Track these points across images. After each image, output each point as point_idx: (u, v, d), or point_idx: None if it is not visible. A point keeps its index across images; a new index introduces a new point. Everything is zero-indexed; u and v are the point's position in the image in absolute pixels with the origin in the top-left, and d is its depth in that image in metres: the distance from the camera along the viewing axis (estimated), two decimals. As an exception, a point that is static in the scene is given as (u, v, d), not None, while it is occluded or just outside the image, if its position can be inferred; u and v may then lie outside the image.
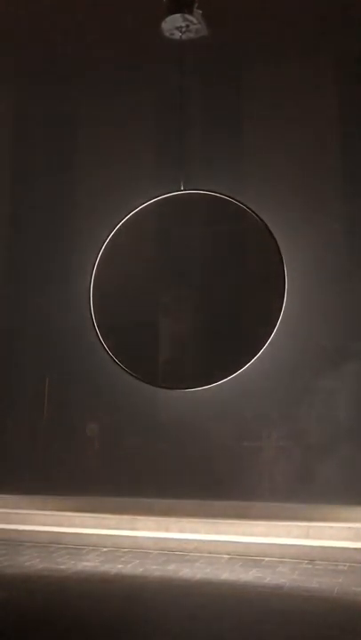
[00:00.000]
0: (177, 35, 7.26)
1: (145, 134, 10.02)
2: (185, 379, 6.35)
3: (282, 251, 6.21)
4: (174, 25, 7.11)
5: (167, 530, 7.52)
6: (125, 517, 7.78)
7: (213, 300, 6.39)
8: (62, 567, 6.48)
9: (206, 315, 6.34)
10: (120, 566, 6.53)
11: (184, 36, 7.23)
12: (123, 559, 6.84)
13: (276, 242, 6.14)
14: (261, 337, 6.11)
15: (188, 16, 7.02)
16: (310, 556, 6.73)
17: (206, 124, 9.77)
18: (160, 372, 6.27)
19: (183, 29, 7.13)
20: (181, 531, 7.48)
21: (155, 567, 6.48)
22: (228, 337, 6.36)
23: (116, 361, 6.06)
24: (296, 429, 8.65)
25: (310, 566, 6.53)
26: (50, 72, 9.77)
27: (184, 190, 6.30)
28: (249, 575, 6.17)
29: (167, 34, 7.25)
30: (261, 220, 6.18)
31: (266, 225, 6.18)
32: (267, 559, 6.77)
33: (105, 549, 7.27)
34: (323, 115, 9.38)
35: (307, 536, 7.11)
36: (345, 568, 6.44)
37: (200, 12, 7.09)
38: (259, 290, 6.33)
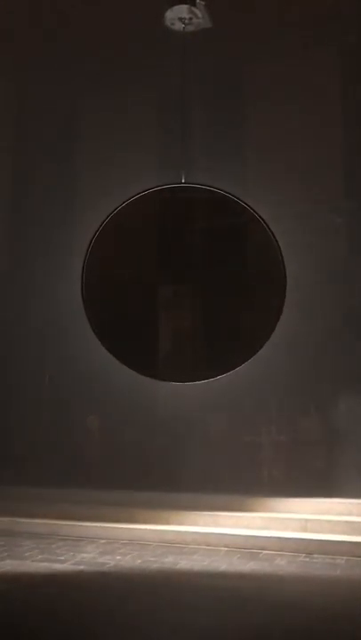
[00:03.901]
0: (178, 26, 7.26)
1: (147, 127, 10.06)
2: (185, 372, 6.35)
3: (281, 246, 6.21)
4: (178, 15, 7.11)
5: (166, 522, 7.55)
6: (124, 510, 7.81)
7: (214, 295, 6.39)
8: (61, 558, 6.52)
9: (207, 308, 6.34)
10: (118, 558, 6.56)
11: (186, 29, 7.23)
12: (121, 551, 6.87)
13: (275, 238, 6.14)
14: (262, 333, 6.11)
15: (193, 8, 7.03)
16: (308, 550, 6.76)
17: (208, 117, 9.81)
18: (160, 366, 6.27)
19: (186, 21, 7.14)
20: (180, 523, 7.52)
21: (153, 559, 6.51)
22: (229, 332, 6.36)
23: (112, 352, 6.06)
24: (295, 425, 8.70)
25: (308, 559, 6.56)
26: (51, 62, 9.79)
27: (184, 183, 6.32)
28: (247, 567, 6.21)
29: (169, 23, 7.25)
30: (261, 217, 6.19)
31: (265, 221, 6.18)
32: (265, 552, 6.80)
33: (103, 541, 7.30)
34: (324, 110, 9.41)
35: (305, 529, 7.15)
36: (342, 562, 6.48)
37: (203, 3, 7.10)
38: (259, 286, 6.33)
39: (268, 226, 6.10)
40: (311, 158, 9.33)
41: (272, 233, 6.08)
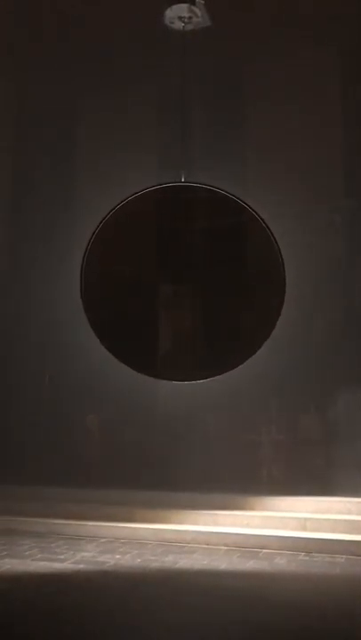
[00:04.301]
0: (178, 24, 7.27)
1: (147, 127, 10.06)
2: (184, 372, 6.36)
3: (281, 246, 6.22)
4: (177, 14, 7.12)
5: (165, 521, 7.56)
6: (124, 509, 7.81)
7: (214, 294, 6.40)
8: (61, 557, 6.53)
9: (207, 308, 6.35)
10: (118, 557, 6.57)
11: (186, 28, 7.24)
12: (121, 550, 6.87)
13: (274, 238, 6.14)
14: (262, 332, 6.12)
15: (193, 7, 7.05)
16: (308, 548, 6.77)
17: (208, 117, 9.81)
18: (159, 365, 6.28)
19: (185, 20, 7.15)
20: (180, 522, 7.52)
21: (153, 558, 6.51)
22: (229, 331, 6.37)
23: (112, 352, 6.07)
24: (295, 424, 8.70)
25: (308, 558, 6.57)
26: (51, 62, 9.79)
27: (184, 182, 6.32)
28: (246, 566, 6.21)
29: (168, 22, 7.26)
30: (260, 217, 6.19)
31: (264, 221, 6.18)
32: (264, 551, 6.80)
33: (103, 540, 7.31)
34: (324, 110, 9.42)
35: (304, 528, 7.16)
36: (342, 560, 6.48)
37: (203, 1, 7.11)
38: (259, 285, 6.34)
39: (267, 226, 6.11)
40: (311, 158, 9.34)
41: (271, 233, 6.09)
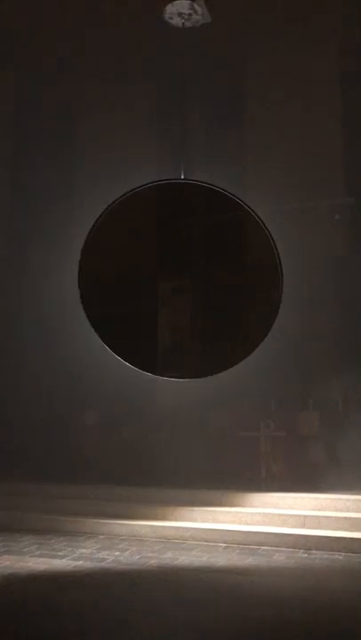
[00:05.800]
0: (177, 20, 7.29)
1: (146, 127, 10.10)
2: (184, 369, 6.37)
3: (281, 245, 6.23)
4: (178, 10, 7.13)
5: (164, 518, 7.56)
6: (123, 505, 7.82)
7: (213, 292, 6.42)
8: (60, 554, 6.53)
9: (206, 306, 6.37)
10: (117, 553, 6.57)
11: (185, 25, 7.26)
12: (120, 546, 6.88)
13: (271, 236, 6.15)
14: (261, 330, 6.13)
15: (194, 4, 7.07)
16: (307, 545, 6.78)
17: (208, 117, 9.85)
18: (159, 362, 6.29)
19: (185, 17, 7.16)
20: (179, 519, 7.54)
21: (152, 555, 6.51)
22: (228, 329, 6.38)
23: (112, 350, 6.08)
24: (294, 421, 8.71)
25: (306, 555, 6.57)
26: (52, 62, 9.83)
27: (183, 179, 6.34)
28: (246, 563, 6.21)
29: (167, 17, 7.27)
30: (258, 215, 6.20)
31: (261, 219, 6.19)
32: (263, 548, 6.81)
33: (102, 537, 7.32)
34: (324, 109, 9.45)
35: (303, 525, 7.16)
36: (341, 557, 6.48)
37: None
38: (258, 284, 6.36)
39: (264, 224, 6.12)
40: (311, 158, 9.37)
41: (269, 232, 6.10)
